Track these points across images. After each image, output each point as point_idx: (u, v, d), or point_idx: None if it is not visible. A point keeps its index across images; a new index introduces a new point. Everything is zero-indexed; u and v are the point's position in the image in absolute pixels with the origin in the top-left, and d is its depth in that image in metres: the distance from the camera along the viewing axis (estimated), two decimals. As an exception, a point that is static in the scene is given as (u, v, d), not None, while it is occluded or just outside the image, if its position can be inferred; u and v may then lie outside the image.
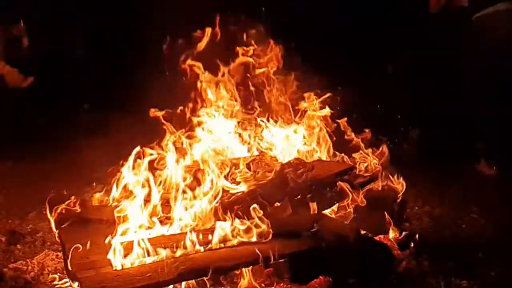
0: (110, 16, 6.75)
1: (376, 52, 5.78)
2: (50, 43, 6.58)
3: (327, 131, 3.75)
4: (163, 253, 2.59)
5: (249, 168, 3.32)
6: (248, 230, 2.75)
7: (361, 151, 3.62)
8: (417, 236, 3.32)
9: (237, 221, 2.77)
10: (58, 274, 3.02)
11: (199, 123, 3.67)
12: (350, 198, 3.18)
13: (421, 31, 5.39)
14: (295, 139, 3.76)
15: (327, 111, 3.77)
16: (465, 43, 4.90)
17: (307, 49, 4.21)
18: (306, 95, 3.86)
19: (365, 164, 3.55)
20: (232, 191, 3.01)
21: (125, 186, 3.23)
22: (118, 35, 6.85)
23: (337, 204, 3.26)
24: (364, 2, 6.30)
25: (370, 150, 3.63)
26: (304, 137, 3.77)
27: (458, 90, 5.08)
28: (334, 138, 3.76)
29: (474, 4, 4.92)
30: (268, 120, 3.85)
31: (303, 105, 3.85)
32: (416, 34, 5.43)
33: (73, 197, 3.19)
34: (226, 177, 3.14)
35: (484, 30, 4.70)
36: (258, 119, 3.84)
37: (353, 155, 3.64)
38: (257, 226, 2.75)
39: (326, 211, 3.22)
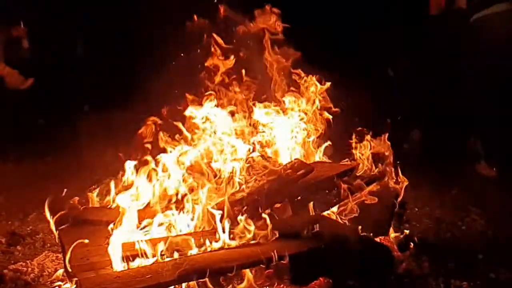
0: (110, 16, 6.74)
1: (376, 53, 5.79)
2: (50, 43, 6.58)
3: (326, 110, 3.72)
4: (164, 254, 2.59)
5: (249, 169, 3.31)
6: (248, 232, 2.75)
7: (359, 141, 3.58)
8: (415, 237, 3.32)
9: (237, 222, 2.77)
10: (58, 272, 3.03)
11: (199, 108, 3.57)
12: (352, 198, 3.17)
13: (421, 32, 5.39)
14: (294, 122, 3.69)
15: (327, 85, 3.73)
16: (465, 44, 4.91)
17: (306, 49, 4.19)
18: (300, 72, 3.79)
19: (366, 154, 3.52)
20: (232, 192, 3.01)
21: (126, 187, 3.23)
22: (118, 35, 6.84)
23: (337, 205, 3.26)
24: (364, 2, 6.30)
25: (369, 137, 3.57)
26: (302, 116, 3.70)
27: (458, 91, 5.08)
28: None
29: (472, 5, 4.94)
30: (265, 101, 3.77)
31: (301, 80, 3.78)
32: (416, 35, 5.44)
33: (73, 198, 3.20)
34: (226, 178, 3.14)
35: (483, 31, 4.70)
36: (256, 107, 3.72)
37: (352, 145, 3.59)
38: (257, 227, 2.75)
39: (327, 212, 3.23)
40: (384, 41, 5.74)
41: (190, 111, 3.51)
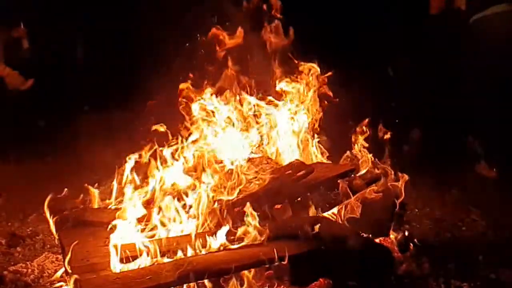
0: (110, 16, 6.74)
1: (376, 52, 5.78)
2: (50, 43, 6.58)
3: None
4: (164, 255, 2.59)
5: (249, 170, 3.31)
6: (248, 233, 2.75)
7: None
8: (415, 237, 3.32)
9: (237, 223, 2.77)
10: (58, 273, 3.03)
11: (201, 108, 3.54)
12: (354, 198, 3.16)
13: (421, 31, 5.39)
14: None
15: (329, 73, 3.71)
16: (465, 43, 4.91)
17: (307, 48, 4.18)
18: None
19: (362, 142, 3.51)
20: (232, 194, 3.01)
21: (125, 188, 3.23)
22: (118, 35, 6.84)
23: (338, 206, 3.26)
24: (364, 1, 6.29)
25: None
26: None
27: (458, 90, 5.08)
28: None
29: (472, 6, 4.94)
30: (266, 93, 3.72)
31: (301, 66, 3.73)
32: (416, 34, 5.44)
33: (77, 197, 3.20)
34: (226, 179, 3.14)
35: (482, 32, 4.70)
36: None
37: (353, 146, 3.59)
38: (257, 228, 2.75)
39: (327, 213, 3.22)
40: (384, 40, 5.73)
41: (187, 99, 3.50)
